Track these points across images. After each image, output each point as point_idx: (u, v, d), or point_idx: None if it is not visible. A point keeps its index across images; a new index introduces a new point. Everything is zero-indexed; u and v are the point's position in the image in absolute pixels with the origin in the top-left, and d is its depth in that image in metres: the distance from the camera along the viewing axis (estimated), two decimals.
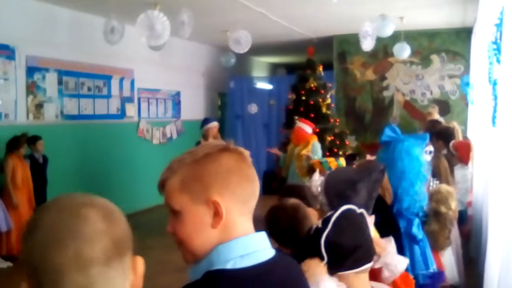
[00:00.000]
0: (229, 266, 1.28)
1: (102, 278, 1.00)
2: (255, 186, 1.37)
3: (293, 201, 2.52)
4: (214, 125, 9.00)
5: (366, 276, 1.86)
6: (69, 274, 0.97)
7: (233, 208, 1.32)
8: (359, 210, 1.92)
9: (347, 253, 1.78)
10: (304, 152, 7.42)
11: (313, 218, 2.54)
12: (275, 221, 2.45)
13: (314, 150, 7.54)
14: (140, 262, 1.10)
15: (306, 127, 7.87)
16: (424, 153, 5.02)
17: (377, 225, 2.99)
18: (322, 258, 1.79)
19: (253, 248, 1.33)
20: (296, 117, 9.73)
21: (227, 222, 1.32)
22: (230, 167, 1.34)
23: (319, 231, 1.84)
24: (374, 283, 2.00)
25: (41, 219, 1.02)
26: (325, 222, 1.85)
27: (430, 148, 5.36)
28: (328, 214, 1.90)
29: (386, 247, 2.21)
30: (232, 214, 1.32)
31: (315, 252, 1.80)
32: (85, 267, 0.98)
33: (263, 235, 1.39)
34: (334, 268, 1.79)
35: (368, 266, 1.83)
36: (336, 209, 1.88)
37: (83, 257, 0.98)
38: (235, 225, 1.33)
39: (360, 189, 2.30)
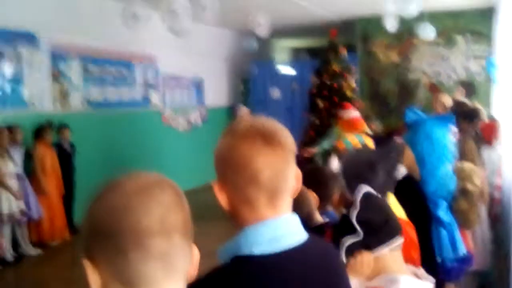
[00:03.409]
0: (256, 250, 1.25)
1: (181, 248, 1.01)
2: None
3: None
4: (244, 111, 9.01)
5: (400, 254, 1.86)
6: (154, 237, 0.96)
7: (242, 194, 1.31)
8: (374, 193, 1.94)
9: (378, 227, 1.79)
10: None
11: (313, 201, 2.53)
12: None
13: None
14: (196, 251, 1.08)
15: (357, 113, 7.26)
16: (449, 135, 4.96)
17: (408, 213, 2.98)
18: (356, 234, 1.79)
19: (283, 231, 1.29)
20: (319, 100, 9.66)
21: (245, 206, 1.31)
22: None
23: (346, 215, 1.85)
24: (409, 266, 1.99)
25: (119, 185, 1.03)
26: (350, 205, 1.86)
27: (454, 129, 5.29)
28: (351, 200, 1.91)
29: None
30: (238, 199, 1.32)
31: (348, 232, 1.81)
32: (169, 233, 0.98)
33: (294, 217, 1.35)
34: (370, 246, 1.80)
35: (400, 241, 1.83)
36: (355, 192, 1.89)
37: (167, 222, 0.98)
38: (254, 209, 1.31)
39: (379, 171, 2.28)
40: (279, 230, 1.29)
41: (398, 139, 5.03)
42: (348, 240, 1.79)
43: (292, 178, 1.34)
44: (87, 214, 1.02)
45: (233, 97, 13.90)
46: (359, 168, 2.31)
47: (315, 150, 7.81)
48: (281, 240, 1.28)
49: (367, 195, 1.88)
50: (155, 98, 10.75)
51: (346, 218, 1.85)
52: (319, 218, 2.54)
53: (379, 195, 2.00)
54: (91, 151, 8.85)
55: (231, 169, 1.30)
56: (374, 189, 2.06)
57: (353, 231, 1.81)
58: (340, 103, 9.86)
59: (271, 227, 1.29)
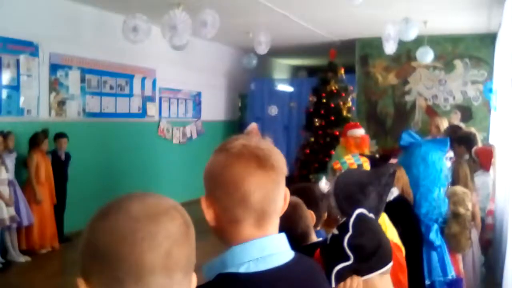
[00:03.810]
0: (243, 269, 1.24)
1: (181, 283, 0.95)
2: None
3: (293, 199, 2.51)
4: (253, 126, 9.04)
5: (389, 277, 1.85)
6: (156, 275, 0.91)
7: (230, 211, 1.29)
8: (369, 214, 1.91)
9: (370, 253, 1.77)
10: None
11: (311, 220, 2.52)
12: None
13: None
14: (195, 280, 1.03)
15: (362, 131, 7.20)
16: (444, 159, 4.97)
17: (400, 234, 2.97)
18: (347, 260, 1.78)
19: (270, 251, 1.28)
20: (316, 118, 9.71)
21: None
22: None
23: (338, 237, 1.84)
24: None
25: (126, 207, 0.95)
26: (343, 227, 1.85)
27: (450, 154, 5.30)
28: (343, 220, 1.89)
29: None
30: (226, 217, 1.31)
31: (339, 257, 1.79)
32: (172, 270, 0.92)
33: (281, 237, 1.34)
34: (360, 272, 1.78)
35: (390, 266, 1.82)
36: (349, 214, 1.88)
37: (172, 259, 0.92)
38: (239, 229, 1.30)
39: (370, 193, 2.26)
40: (266, 249, 1.28)
41: (393, 161, 5.04)
42: (339, 266, 1.77)
43: (281, 200, 1.34)
44: (88, 232, 0.96)
45: (230, 112, 13.93)
46: (350, 189, 2.29)
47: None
48: (268, 259, 1.27)
49: (361, 218, 1.86)
50: (151, 110, 10.76)
51: (337, 242, 1.83)
52: (314, 237, 2.52)
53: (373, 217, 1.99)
54: (86, 161, 8.82)
55: (222, 188, 1.29)
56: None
57: (344, 256, 1.79)
58: (338, 122, 9.93)
59: (258, 246, 1.28)
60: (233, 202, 1.28)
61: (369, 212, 2.03)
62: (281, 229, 2.26)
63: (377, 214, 2.34)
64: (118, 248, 0.91)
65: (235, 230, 1.30)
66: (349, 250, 1.78)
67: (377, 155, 9.40)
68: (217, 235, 1.35)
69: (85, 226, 0.97)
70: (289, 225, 2.30)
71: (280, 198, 1.34)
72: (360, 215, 1.86)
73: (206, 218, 1.33)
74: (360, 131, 7.14)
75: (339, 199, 2.32)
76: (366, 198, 2.23)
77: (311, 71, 16.80)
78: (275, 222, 1.34)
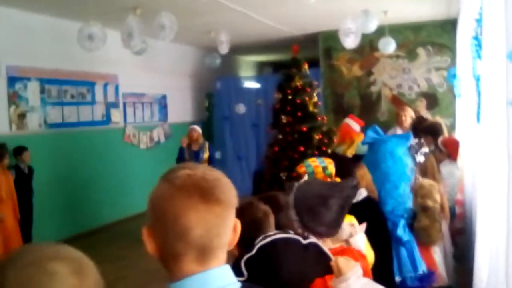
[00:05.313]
0: None
1: None
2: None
3: (264, 207, 2.45)
4: (193, 128, 8.97)
5: None
6: None
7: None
8: (304, 242, 1.84)
9: (266, 282, 1.71)
10: (348, 152, 6.99)
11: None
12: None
13: (359, 150, 7.16)
14: None
15: (354, 124, 7.38)
16: (419, 154, 4.97)
17: (367, 234, 2.93)
18: (240, 276, 1.72)
19: (211, 286, 1.22)
20: (282, 115, 9.67)
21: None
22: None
23: (243, 253, 1.80)
24: None
25: (5, 278, 0.93)
26: (255, 245, 1.80)
27: (425, 149, 5.29)
28: (259, 239, 1.84)
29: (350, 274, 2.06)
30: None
31: (235, 270, 1.75)
32: None
33: (225, 270, 1.27)
34: None
35: None
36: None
37: None
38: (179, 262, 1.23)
39: (332, 205, 2.20)
40: (207, 285, 1.21)
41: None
42: None
43: (227, 234, 1.27)
44: None
45: (197, 113, 13.82)
46: (311, 202, 2.22)
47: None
48: None
49: (273, 245, 1.78)
50: (116, 116, 10.58)
51: (238, 259, 1.78)
52: None
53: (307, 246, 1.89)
54: (50, 173, 8.63)
55: (162, 220, 1.22)
56: (325, 224, 1.99)
57: (239, 271, 1.73)
58: (305, 118, 9.87)
59: (198, 282, 1.21)
60: (173, 237, 1.21)
61: (328, 225, 1.96)
62: (247, 234, 2.19)
63: (337, 227, 2.29)
64: None
65: (174, 265, 1.23)
66: (245, 268, 1.72)
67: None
68: (163, 266, 1.28)
69: None
70: (253, 231, 2.26)
71: (227, 232, 1.27)
72: (277, 241, 1.80)
73: (148, 249, 1.26)
74: (345, 120, 7.18)
75: (300, 212, 2.25)
76: (328, 211, 2.17)
77: (277, 66, 16.74)
78: (221, 257, 1.27)
